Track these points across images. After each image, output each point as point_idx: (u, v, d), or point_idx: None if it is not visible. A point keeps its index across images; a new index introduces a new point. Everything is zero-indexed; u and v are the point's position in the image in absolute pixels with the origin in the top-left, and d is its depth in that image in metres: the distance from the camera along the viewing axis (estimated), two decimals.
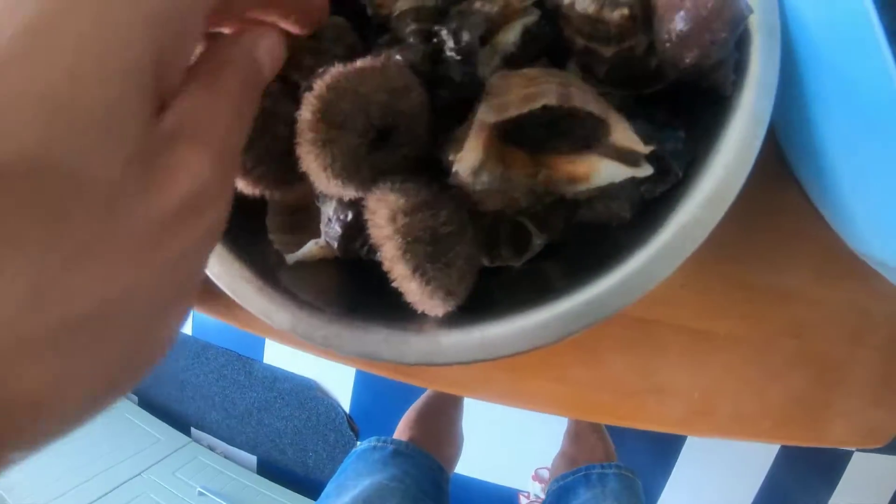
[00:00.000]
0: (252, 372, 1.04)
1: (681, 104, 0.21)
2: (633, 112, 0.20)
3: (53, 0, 0.09)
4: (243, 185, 0.21)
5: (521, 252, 0.23)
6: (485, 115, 0.16)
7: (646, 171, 0.18)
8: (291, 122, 0.18)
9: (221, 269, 0.22)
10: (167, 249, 0.10)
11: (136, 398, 1.13)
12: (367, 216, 0.18)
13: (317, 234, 0.24)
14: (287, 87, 0.21)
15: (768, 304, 0.29)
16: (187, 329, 1.07)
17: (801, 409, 0.30)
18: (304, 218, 0.25)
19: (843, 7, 0.20)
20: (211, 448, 1.07)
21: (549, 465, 0.65)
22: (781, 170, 0.28)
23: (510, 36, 0.20)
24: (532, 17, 0.20)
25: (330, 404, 1.01)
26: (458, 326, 0.20)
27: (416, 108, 0.18)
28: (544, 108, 0.16)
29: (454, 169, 0.18)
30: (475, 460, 0.92)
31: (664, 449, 0.93)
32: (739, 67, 0.19)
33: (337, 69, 0.18)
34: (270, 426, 1.04)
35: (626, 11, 0.18)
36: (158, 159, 0.10)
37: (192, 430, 1.10)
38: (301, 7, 0.16)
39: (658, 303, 0.28)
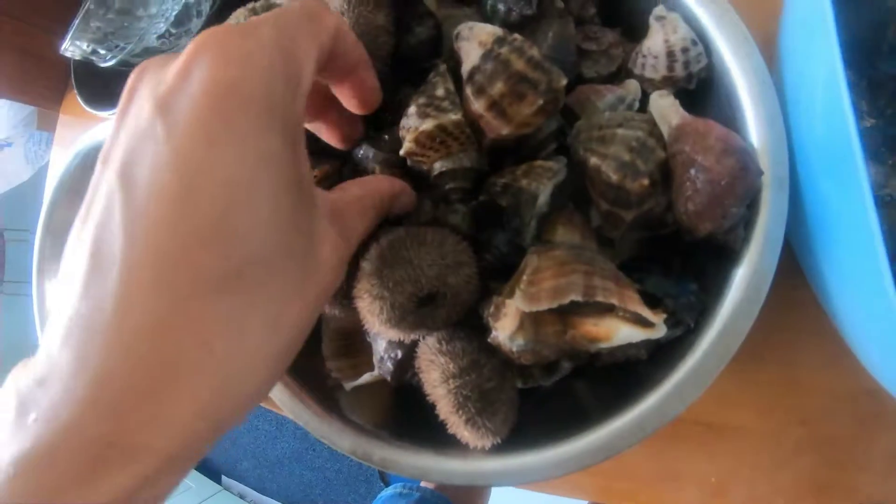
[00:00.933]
0: (284, 423, 1.12)
1: (694, 254, 0.25)
2: (650, 266, 0.25)
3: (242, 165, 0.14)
4: None
5: (550, 373, 0.28)
6: (519, 303, 0.21)
7: (659, 332, 0.22)
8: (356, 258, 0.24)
9: (285, 395, 0.28)
10: (326, 285, 0.17)
11: None
12: (420, 374, 0.24)
13: (368, 355, 0.29)
14: None
15: (778, 395, 0.34)
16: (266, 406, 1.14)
17: (812, 491, 0.35)
18: (355, 342, 0.30)
19: (837, 153, 0.24)
20: (241, 496, 1.16)
21: None
22: (794, 269, 0.32)
23: (543, 198, 0.24)
24: (561, 177, 0.25)
25: None
26: (498, 455, 0.25)
27: (465, 281, 0.23)
28: None
29: (493, 333, 0.23)
30: None
31: None
32: (749, 222, 0.24)
33: (400, 231, 0.23)
34: (301, 476, 1.12)
35: (646, 182, 0.23)
36: (320, 237, 0.17)
37: (223, 478, 1.19)
38: (364, 92, 0.22)
39: None
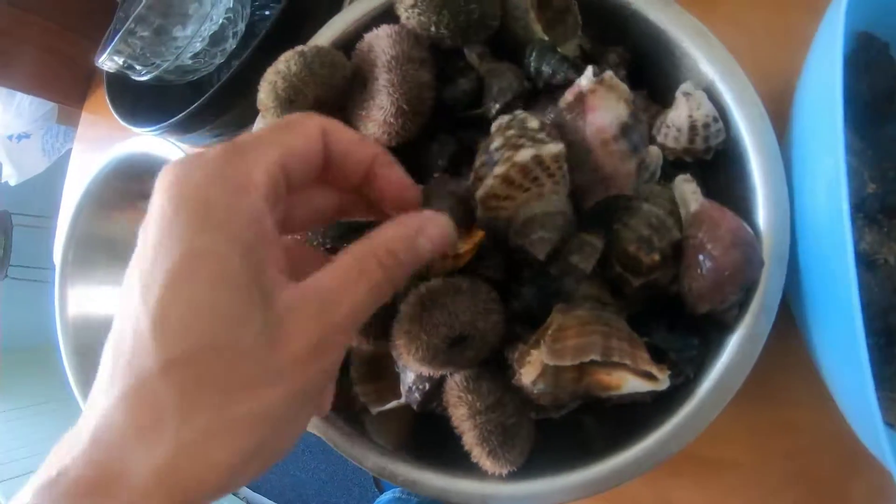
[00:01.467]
0: None
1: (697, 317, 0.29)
2: (657, 322, 0.29)
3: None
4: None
5: (560, 407, 0.32)
6: (545, 357, 0.25)
7: (663, 385, 0.27)
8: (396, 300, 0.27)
9: (318, 419, 0.32)
10: (291, 382, 0.17)
11: None
12: (448, 408, 0.28)
13: (391, 381, 0.33)
14: None
15: (767, 433, 0.38)
16: None
17: None
18: (381, 367, 0.34)
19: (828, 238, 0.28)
20: (234, 493, 1.21)
21: None
22: (788, 319, 0.37)
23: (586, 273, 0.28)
24: (599, 254, 0.28)
25: None
26: (512, 480, 0.29)
27: (493, 326, 0.27)
28: None
29: (517, 376, 0.27)
30: None
31: None
32: (745, 303, 0.28)
33: (441, 280, 0.27)
34: (295, 476, 1.17)
35: (657, 257, 0.27)
36: (280, 329, 0.17)
37: None
38: (392, 190, 0.22)
39: None
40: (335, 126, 0.20)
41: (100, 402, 0.16)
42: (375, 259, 0.19)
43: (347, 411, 0.32)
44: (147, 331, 0.16)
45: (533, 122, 0.25)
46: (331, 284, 0.18)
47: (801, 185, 0.30)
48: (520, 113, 0.26)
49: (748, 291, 0.28)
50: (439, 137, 0.31)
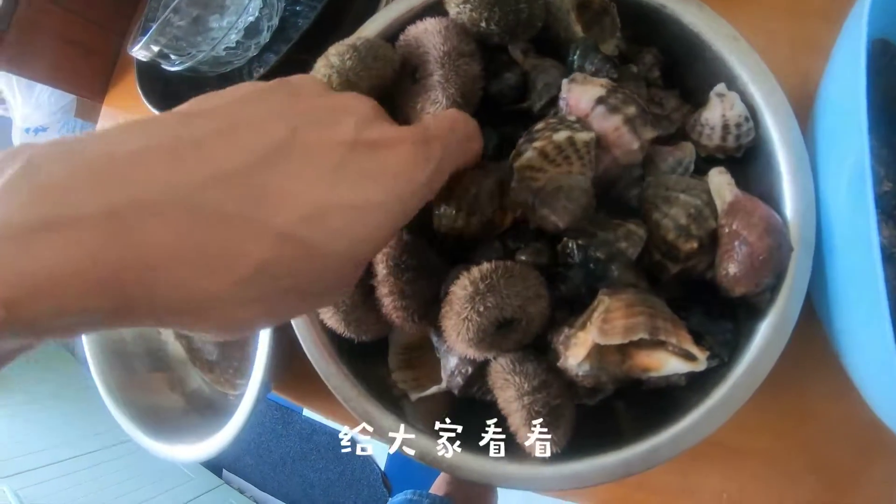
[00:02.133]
0: (290, 422, 1.20)
1: (731, 301, 0.33)
2: (694, 306, 0.33)
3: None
4: (393, 307, 0.32)
5: (594, 393, 0.35)
6: (594, 336, 0.28)
7: (702, 366, 0.30)
8: (440, 277, 0.30)
9: (358, 405, 0.34)
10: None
11: None
12: (494, 390, 0.31)
13: (428, 370, 0.36)
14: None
15: (788, 422, 0.42)
16: (301, 405, 1.20)
17: None
18: (418, 355, 0.37)
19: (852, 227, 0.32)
20: (241, 491, 1.23)
21: None
22: (811, 311, 0.41)
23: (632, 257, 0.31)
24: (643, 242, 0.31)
25: (366, 460, 1.16)
26: (553, 462, 0.32)
27: (540, 312, 0.30)
28: None
29: (563, 359, 0.30)
30: None
31: None
32: (776, 288, 0.31)
33: (493, 264, 0.30)
34: (304, 476, 1.19)
35: (695, 244, 0.30)
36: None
37: (224, 471, 1.26)
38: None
39: None
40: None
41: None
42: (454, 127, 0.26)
43: (388, 399, 0.35)
44: None
45: (571, 116, 0.30)
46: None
47: (824, 183, 0.34)
48: (559, 112, 0.31)
49: (779, 277, 0.31)
50: (483, 130, 0.34)
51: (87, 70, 0.50)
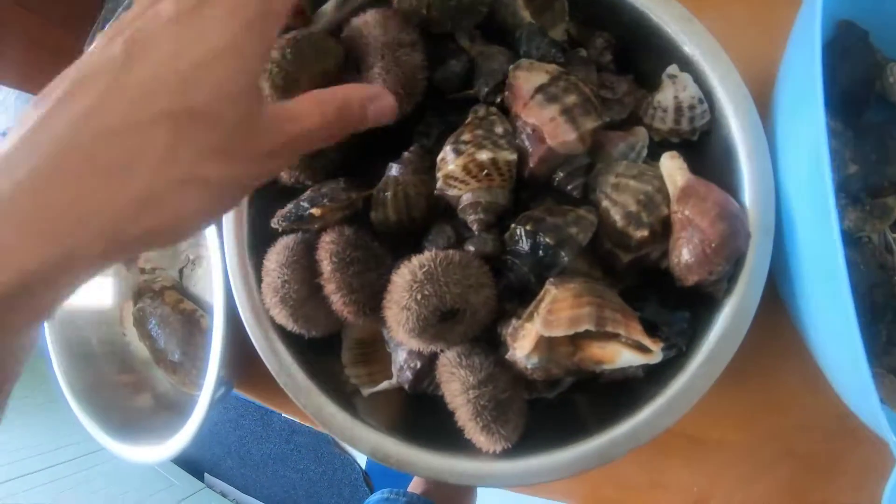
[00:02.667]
0: (270, 423, 1.17)
1: (687, 290, 0.31)
2: (649, 296, 0.31)
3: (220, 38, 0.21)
4: (342, 302, 0.31)
5: (553, 387, 0.34)
6: (538, 327, 0.26)
7: (656, 358, 0.28)
8: (389, 268, 0.29)
9: (308, 401, 0.33)
10: (249, 165, 0.22)
11: None
12: (441, 384, 0.29)
13: (383, 366, 0.34)
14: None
15: (757, 412, 0.40)
16: (264, 403, 1.19)
17: (787, 498, 0.41)
18: (371, 351, 0.35)
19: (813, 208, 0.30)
20: (223, 494, 1.21)
21: None
22: (777, 299, 0.39)
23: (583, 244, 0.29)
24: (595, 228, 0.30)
25: (346, 460, 1.14)
26: (506, 458, 0.31)
27: (485, 302, 0.28)
28: None
29: (511, 351, 0.28)
30: None
31: None
32: (734, 277, 0.29)
33: (433, 252, 0.28)
34: (285, 477, 1.17)
35: (646, 232, 0.28)
36: (257, 125, 0.22)
37: (206, 475, 1.24)
38: None
39: None
40: None
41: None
42: (334, 104, 0.24)
43: (340, 394, 0.33)
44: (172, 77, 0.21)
45: (499, 128, 0.30)
46: (299, 108, 0.24)
47: (784, 166, 0.32)
48: (494, 114, 0.30)
49: (736, 264, 0.29)
50: (426, 119, 0.33)
51: (52, 71, 0.49)
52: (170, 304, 0.41)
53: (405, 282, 0.28)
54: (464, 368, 0.28)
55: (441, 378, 0.30)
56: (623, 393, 0.32)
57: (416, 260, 0.28)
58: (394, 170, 0.31)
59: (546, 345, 0.28)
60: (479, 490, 0.76)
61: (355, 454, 1.15)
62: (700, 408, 0.40)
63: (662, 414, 0.30)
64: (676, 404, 0.30)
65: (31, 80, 0.50)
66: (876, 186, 0.36)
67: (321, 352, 0.35)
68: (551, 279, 0.28)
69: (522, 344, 0.28)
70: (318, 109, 0.24)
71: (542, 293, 0.28)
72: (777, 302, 0.38)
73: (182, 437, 0.37)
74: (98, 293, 0.44)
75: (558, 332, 0.26)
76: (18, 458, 0.93)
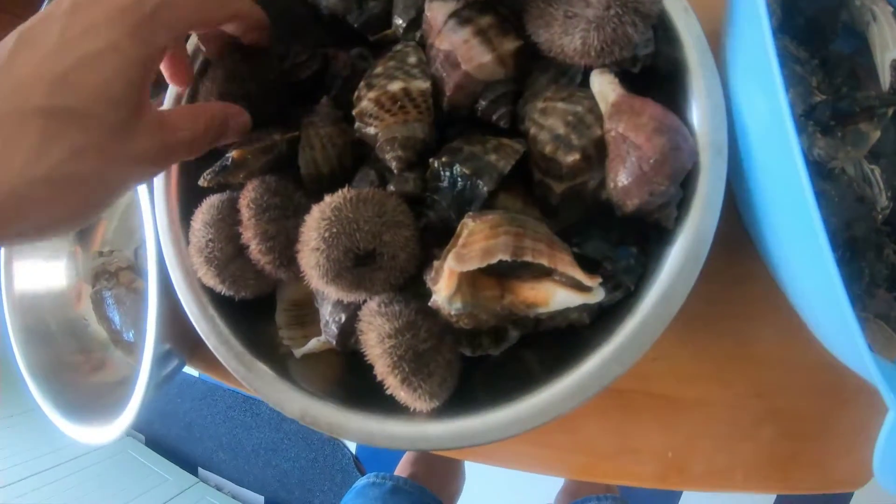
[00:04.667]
0: (259, 413, 1.11)
1: (634, 223, 0.25)
2: (590, 231, 0.25)
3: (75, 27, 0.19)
4: (258, 251, 0.26)
5: (499, 342, 0.28)
6: (451, 263, 0.21)
7: (597, 297, 0.22)
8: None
9: (236, 362, 0.28)
10: (124, 167, 0.21)
11: (143, 438, 1.20)
12: (360, 336, 0.24)
13: (319, 327, 0.29)
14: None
15: (735, 369, 0.33)
16: (194, 371, 1.15)
17: (772, 461, 0.35)
18: (308, 313, 0.30)
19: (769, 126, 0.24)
20: (218, 488, 1.15)
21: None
22: (744, 240, 0.32)
23: (505, 173, 0.24)
24: (519, 156, 0.25)
25: (336, 445, 1.08)
26: (442, 418, 0.25)
27: (404, 243, 0.23)
28: None
29: (434, 297, 0.23)
30: (480, 497, 0.96)
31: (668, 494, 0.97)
32: (685, 200, 0.24)
33: (345, 191, 0.23)
34: (278, 466, 1.11)
35: (577, 156, 0.23)
36: (135, 129, 0.21)
37: (200, 470, 1.18)
38: (253, 23, 0.26)
39: (630, 375, 0.33)
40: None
41: None
42: (204, 119, 0.24)
43: (271, 357, 0.28)
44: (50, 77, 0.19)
45: (412, 58, 0.26)
46: (175, 118, 0.23)
47: (740, 90, 0.26)
48: (404, 46, 0.26)
49: (685, 187, 0.24)
50: (332, 68, 0.29)
51: None
52: (124, 285, 0.37)
53: (314, 220, 0.23)
54: (381, 317, 0.23)
55: (361, 329, 0.25)
56: (571, 344, 0.26)
57: (327, 199, 0.23)
58: (307, 125, 0.27)
59: (469, 287, 0.23)
60: (467, 471, 0.69)
61: (344, 440, 1.09)
62: (672, 366, 0.34)
63: (611, 362, 0.24)
64: (626, 351, 0.24)
65: None
66: (846, 113, 0.30)
67: (257, 317, 0.31)
68: (470, 213, 0.23)
69: (440, 286, 0.22)
70: (192, 122, 0.23)
71: (459, 228, 0.23)
72: (746, 247, 0.32)
73: (126, 416, 0.33)
74: (56, 277, 0.41)
75: (471, 265, 0.21)
76: (6, 465, 0.90)
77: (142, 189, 0.32)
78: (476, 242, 0.21)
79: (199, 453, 1.17)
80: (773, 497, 0.95)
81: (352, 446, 1.09)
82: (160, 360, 0.33)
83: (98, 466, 1.00)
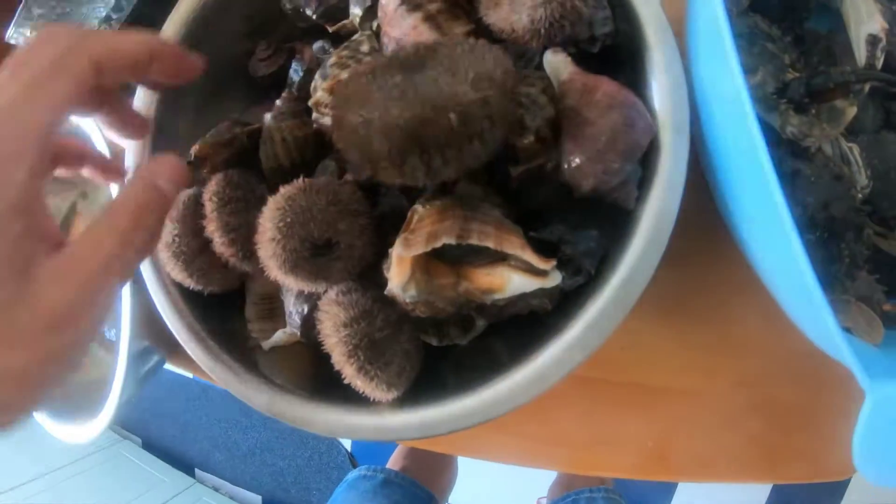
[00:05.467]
0: (252, 412, 1.11)
1: (594, 204, 0.24)
2: (549, 216, 0.24)
3: None
4: (221, 243, 0.26)
5: (466, 331, 0.27)
6: (398, 249, 0.20)
7: (553, 281, 0.21)
8: None
9: (204, 355, 0.27)
10: (41, 344, 0.15)
11: (139, 440, 1.19)
12: (318, 325, 0.23)
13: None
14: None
15: (715, 356, 0.32)
16: (187, 372, 1.15)
17: (758, 451, 0.33)
18: (277, 306, 0.29)
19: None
20: (215, 489, 1.14)
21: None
22: (720, 225, 0.31)
23: None
24: None
25: (331, 442, 1.07)
26: (403, 409, 0.24)
27: (360, 231, 0.23)
28: None
29: (389, 286, 0.22)
30: (472, 490, 0.94)
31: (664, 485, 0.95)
32: (645, 179, 0.22)
33: (301, 181, 0.23)
34: (274, 465, 1.10)
35: (531, 138, 0.22)
36: (34, 297, 0.15)
37: (196, 470, 1.17)
38: (174, 70, 0.21)
39: (600, 364, 0.32)
40: (109, 46, 0.18)
41: None
42: (126, 213, 0.17)
43: (239, 351, 0.28)
44: None
45: (365, 46, 0.25)
46: (82, 247, 0.17)
47: (700, 67, 0.25)
48: (364, 34, 0.25)
49: (644, 166, 0.22)
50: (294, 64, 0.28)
51: None
52: None
53: (269, 211, 0.22)
54: (338, 305, 0.22)
55: (319, 319, 0.24)
56: (535, 330, 0.25)
57: (282, 189, 0.23)
58: (268, 119, 0.26)
59: (423, 275, 0.22)
60: (460, 465, 0.68)
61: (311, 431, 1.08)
62: (652, 354, 0.33)
63: (572, 348, 0.23)
64: (589, 337, 0.23)
65: None
66: (821, 90, 0.28)
67: (228, 311, 0.30)
68: (420, 199, 0.22)
69: (393, 276, 0.21)
70: (106, 236, 0.17)
71: (410, 214, 0.22)
72: (725, 231, 0.31)
73: (106, 413, 0.33)
74: None
75: (416, 250, 0.20)
76: (2, 469, 0.89)
77: (114, 186, 0.31)
78: (423, 228, 0.20)
79: (196, 454, 1.17)
80: (767, 488, 0.92)
81: (346, 443, 1.08)
82: (138, 356, 0.33)
83: (95, 470, 1.00)
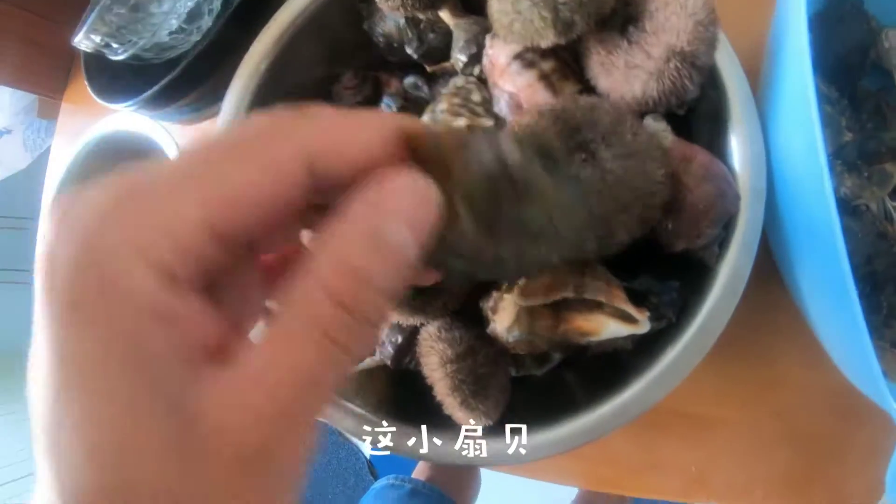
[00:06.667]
0: None
1: (678, 258, 0.28)
2: (637, 266, 0.28)
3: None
4: None
5: (542, 363, 0.31)
6: (515, 297, 0.24)
7: (643, 328, 0.25)
8: None
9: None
10: None
11: None
12: (420, 358, 0.27)
13: None
14: None
15: (757, 390, 0.37)
16: None
17: (787, 481, 0.38)
18: None
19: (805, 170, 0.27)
20: None
21: None
22: (772, 270, 0.36)
23: None
24: None
25: (350, 449, 1.11)
26: (491, 437, 0.28)
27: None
28: None
29: (492, 325, 0.26)
30: (495, 502, 0.98)
31: None
32: (725, 241, 0.27)
33: None
34: None
35: None
36: (200, 448, 0.11)
37: None
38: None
39: None
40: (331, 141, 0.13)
41: None
42: (327, 300, 0.11)
43: None
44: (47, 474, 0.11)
45: (476, 96, 0.28)
46: (264, 362, 0.12)
47: (776, 132, 0.29)
48: (471, 82, 0.28)
49: (727, 228, 0.27)
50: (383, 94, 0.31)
51: (45, 68, 0.47)
52: None
53: None
54: (443, 342, 0.26)
55: (420, 352, 0.27)
56: (613, 368, 0.29)
57: None
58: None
59: (527, 317, 0.25)
60: (483, 474, 0.73)
61: (359, 443, 1.12)
62: (698, 387, 0.37)
63: (652, 388, 0.27)
64: (667, 378, 0.27)
65: (27, 78, 0.48)
66: (873, 153, 0.33)
67: None
68: None
69: (502, 316, 0.25)
70: (299, 341, 0.12)
71: None
72: (774, 276, 0.35)
73: None
74: None
75: (535, 301, 0.23)
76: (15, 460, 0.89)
77: None
78: (540, 280, 0.24)
79: None
80: None
81: (366, 451, 1.11)
82: None
83: None
